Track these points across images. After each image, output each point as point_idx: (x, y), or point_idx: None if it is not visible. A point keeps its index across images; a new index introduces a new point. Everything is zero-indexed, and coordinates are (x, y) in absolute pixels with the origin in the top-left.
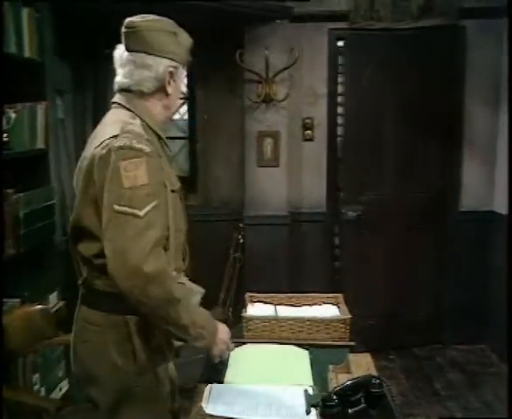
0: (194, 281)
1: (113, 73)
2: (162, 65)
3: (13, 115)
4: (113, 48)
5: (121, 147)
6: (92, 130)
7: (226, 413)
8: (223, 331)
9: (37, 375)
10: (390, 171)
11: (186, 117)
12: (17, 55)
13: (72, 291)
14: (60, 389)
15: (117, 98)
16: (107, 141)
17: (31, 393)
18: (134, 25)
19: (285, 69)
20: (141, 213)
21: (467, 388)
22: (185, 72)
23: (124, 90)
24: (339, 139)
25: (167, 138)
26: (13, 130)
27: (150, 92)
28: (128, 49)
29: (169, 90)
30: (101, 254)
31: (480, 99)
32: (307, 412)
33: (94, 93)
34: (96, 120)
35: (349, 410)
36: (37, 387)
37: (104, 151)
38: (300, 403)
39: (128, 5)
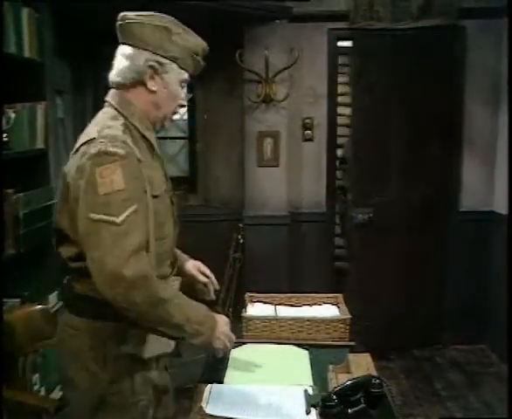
0: None
1: None
2: (142, 56)
3: (13, 115)
4: (112, 47)
5: (95, 154)
6: None
7: (226, 413)
8: (222, 323)
9: (37, 375)
10: (396, 172)
11: (186, 117)
12: (17, 55)
13: None
14: (60, 389)
15: (108, 95)
16: (83, 148)
17: (30, 393)
18: (125, 18)
19: (285, 69)
20: (119, 219)
21: (467, 389)
22: (185, 75)
23: (112, 85)
24: (346, 139)
25: (167, 138)
26: (13, 130)
27: (128, 84)
28: (121, 41)
29: (152, 86)
30: (78, 257)
31: (479, 98)
32: (307, 412)
33: (94, 93)
34: None
35: (349, 410)
36: (37, 387)
37: (80, 161)
38: (300, 403)
39: (128, 6)
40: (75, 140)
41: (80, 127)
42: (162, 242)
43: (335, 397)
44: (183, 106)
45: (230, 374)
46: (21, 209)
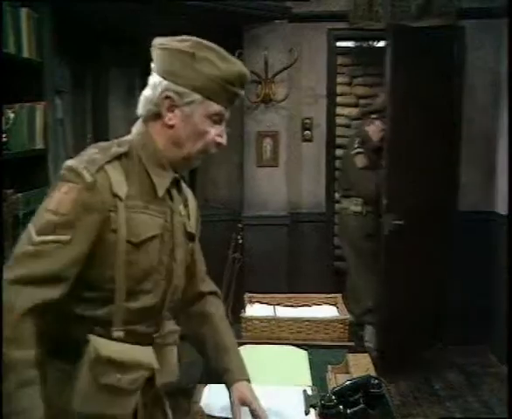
0: None
1: (112, 74)
2: (160, 86)
3: (12, 115)
4: (111, 48)
5: (67, 168)
6: (91, 130)
7: (225, 414)
8: None
9: None
10: (417, 175)
11: None
12: (16, 55)
13: None
14: None
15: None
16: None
17: None
18: (156, 43)
19: (284, 69)
20: (37, 239)
21: (466, 389)
22: (215, 108)
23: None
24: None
25: None
26: (12, 130)
27: (146, 116)
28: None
29: (170, 120)
30: None
31: (478, 98)
32: (306, 413)
33: (93, 93)
34: (95, 119)
35: (348, 411)
36: None
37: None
38: (299, 404)
39: (127, 6)
40: (74, 140)
41: (79, 127)
42: (138, 296)
43: (334, 398)
44: (218, 144)
45: None
46: (20, 210)
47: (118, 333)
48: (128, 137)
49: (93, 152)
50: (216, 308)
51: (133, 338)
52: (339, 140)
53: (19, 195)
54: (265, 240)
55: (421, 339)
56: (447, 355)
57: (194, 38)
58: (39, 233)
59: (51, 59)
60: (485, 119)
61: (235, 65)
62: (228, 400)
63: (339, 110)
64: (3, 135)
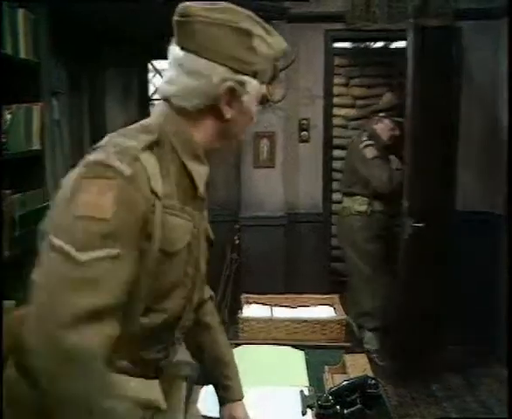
0: None
1: (109, 74)
2: (216, 73)
3: (8, 116)
4: (110, 49)
5: (90, 162)
6: (88, 131)
7: None
8: None
9: None
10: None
11: None
12: (13, 56)
13: None
14: None
15: (157, 105)
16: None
17: None
18: (188, 12)
19: (281, 70)
20: (83, 257)
21: (464, 390)
22: (264, 90)
23: (165, 99)
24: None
25: None
26: (8, 131)
27: (196, 111)
28: (178, 44)
29: (228, 113)
30: None
31: (476, 99)
32: (303, 413)
33: (90, 94)
34: (92, 120)
35: (345, 411)
36: None
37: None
38: (296, 404)
39: (127, 6)
40: (71, 141)
41: (76, 128)
42: (156, 315)
43: (331, 398)
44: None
45: None
46: (17, 211)
47: (121, 362)
48: (153, 121)
49: (120, 140)
50: (214, 318)
51: (139, 367)
52: (336, 141)
53: (15, 196)
54: (262, 241)
55: (433, 340)
56: (447, 356)
57: (229, 6)
58: (82, 249)
59: (47, 60)
60: (481, 119)
61: (280, 39)
62: None
63: (336, 111)
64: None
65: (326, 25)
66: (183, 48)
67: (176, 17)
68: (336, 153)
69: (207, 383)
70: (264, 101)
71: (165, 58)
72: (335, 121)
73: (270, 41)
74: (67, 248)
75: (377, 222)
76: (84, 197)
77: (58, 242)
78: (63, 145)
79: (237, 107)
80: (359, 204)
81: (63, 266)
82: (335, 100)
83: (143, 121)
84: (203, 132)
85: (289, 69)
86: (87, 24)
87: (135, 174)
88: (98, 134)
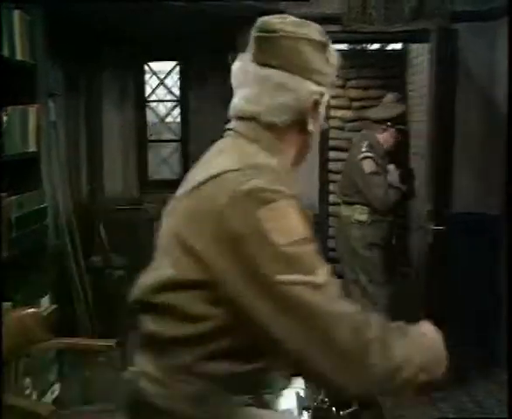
0: None
1: (105, 76)
2: (305, 89)
3: (4, 118)
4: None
5: (250, 190)
6: (84, 133)
7: None
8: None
9: (28, 379)
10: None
11: (178, 119)
12: (9, 58)
13: (63, 295)
14: (52, 393)
15: (234, 125)
16: (213, 183)
17: (23, 397)
18: (272, 28)
19: None
20: (318, 279)
21: (461, 390)
22: (327, 98)
23: (246, 118)
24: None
25: (159, 141)
26: (4, 133)
27: (284, 127)
28: (258, 61)
29: (311, 125)
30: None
31: (472, 101)
32: (300, 415)
33: (87, 96)
34: (88, 122)
35: (341, 412)
36: (28, 390)
37: (217, 200)
38: (292, 406)
39: (126, 6)
40: (67, 143)
41: (73, 130)
42: None
43: (326, 400)
44: None
45: None
46: (13, 213)
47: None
48: (251, 145)
49: (246, 158)
50: None
51: None
52: (332, 143)
53: (12, 198)
54: None
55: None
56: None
57: (305, 21)
58: (312, 272)
59: (44, 62)
60: (478, 121)
61: (334, 46)
62: None
63: (332, 112)
64: None
65: (322, 27)
66: (265, 64)
67: (258, 33)
68: (333, 154)
69: None
70: None
71: (163, 59)
72: (332, 123)
73: (332, 52)
74: (302, 278)
75: (375, 230)
76: (272, 226)
77: (291, 277)
78: (59, 147)
79: (316, 118)
80: (359, 213)
81: (314, 296)
82: (332, 102)
83: (237, 142)
84: (289, 146)
85: None
86: (85, 24)
87: (289, 192)
88: (94, 136)
